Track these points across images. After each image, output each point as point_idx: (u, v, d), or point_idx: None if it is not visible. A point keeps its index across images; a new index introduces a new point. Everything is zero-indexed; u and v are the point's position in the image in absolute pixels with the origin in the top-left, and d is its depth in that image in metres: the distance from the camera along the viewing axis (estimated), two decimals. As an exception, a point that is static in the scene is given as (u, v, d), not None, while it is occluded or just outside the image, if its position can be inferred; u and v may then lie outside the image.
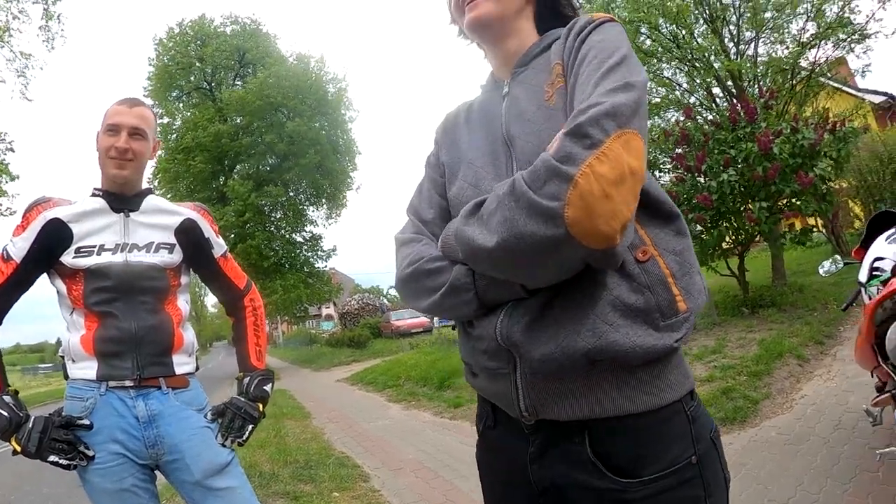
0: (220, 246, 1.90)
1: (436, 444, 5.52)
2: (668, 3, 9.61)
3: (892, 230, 2.79)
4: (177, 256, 1.74)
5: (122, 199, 1.70)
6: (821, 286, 8.26)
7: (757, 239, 7.97)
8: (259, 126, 24.01)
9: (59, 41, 18.94)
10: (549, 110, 0.95)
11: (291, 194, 25.98)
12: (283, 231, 25.61)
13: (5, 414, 1.50)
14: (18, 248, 1.62)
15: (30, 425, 1.51)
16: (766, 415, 4.51)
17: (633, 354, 0.80)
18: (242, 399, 1.78)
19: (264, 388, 1.84)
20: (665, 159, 8.30)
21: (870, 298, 2.59)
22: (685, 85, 11.27)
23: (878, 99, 15.06)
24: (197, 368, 1.80)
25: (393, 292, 58.70)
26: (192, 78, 24.95)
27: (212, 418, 1.72)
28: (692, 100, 11.32)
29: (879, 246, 2.78)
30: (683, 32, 10.05)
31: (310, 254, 26.38)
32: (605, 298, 0.81)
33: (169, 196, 24.82)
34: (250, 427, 1.74)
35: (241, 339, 1.93)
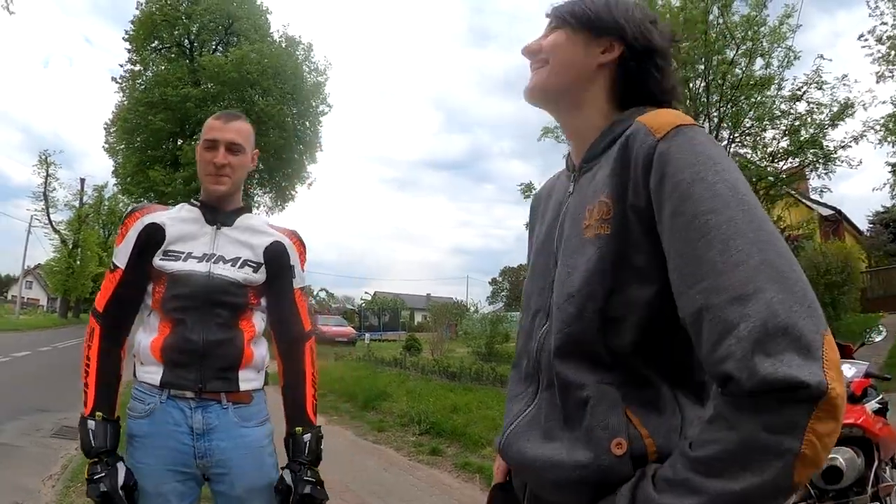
0: (301, 279, 1.83)
1: (360, 467, 5.36)
2: None
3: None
4: (261, 276, 1.70)
5: (217, 212, 1.71)
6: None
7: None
8: (230, 99, 23.31)
9: None
10: (581, 241, 0.86)
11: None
12: (228, 209, 24.85)
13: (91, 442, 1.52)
14: (122, 255, 1.64)
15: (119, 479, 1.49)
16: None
17: None
18: (307, 474, 1.62)
19: (321, 447, 1.71)
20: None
21: None
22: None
23: (826, 212, 16.15)
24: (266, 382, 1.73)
25: (322, 294, 53.67)
26: (175, 32, 24.04)
27: (279, 501, 1.61)
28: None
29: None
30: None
31: (251, 239, 25.69)
32: None
33: (121, 148, 23.63)
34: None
35: (299, 387, 1.74)
